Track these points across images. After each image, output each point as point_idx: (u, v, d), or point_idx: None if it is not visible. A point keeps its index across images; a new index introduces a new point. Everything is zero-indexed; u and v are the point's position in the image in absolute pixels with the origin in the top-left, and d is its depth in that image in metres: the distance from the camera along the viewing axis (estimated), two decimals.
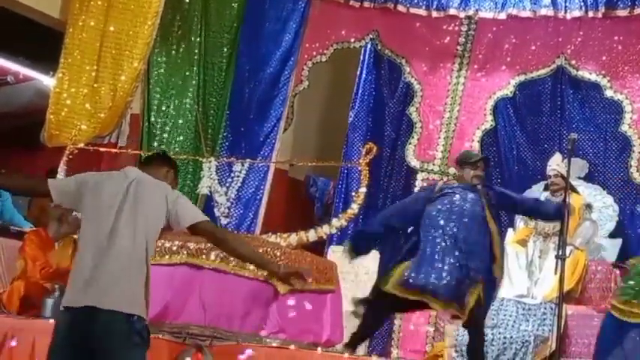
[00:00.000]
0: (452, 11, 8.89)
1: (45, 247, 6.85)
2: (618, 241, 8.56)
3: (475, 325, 6.15)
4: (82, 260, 4.07)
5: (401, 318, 8.36)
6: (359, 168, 7.20)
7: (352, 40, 9.31)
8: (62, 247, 6.90)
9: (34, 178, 5.02)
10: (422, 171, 8.80)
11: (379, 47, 9.28)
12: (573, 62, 8.59)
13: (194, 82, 8.94)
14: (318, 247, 8.01)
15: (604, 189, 8.87)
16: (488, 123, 8.77)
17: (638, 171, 8.36)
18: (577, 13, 8.47)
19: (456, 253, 6.03)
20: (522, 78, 8.78)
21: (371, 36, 9.27)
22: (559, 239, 6.14)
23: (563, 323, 6.92)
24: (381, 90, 9.63)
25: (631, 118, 8.27)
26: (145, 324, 4.02)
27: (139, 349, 4.00)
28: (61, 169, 7.23)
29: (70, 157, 7.37)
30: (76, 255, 4.21)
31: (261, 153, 8.91)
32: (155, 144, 8.73)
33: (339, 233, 8.05)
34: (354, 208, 6.59)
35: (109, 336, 3.92)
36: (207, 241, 4.36)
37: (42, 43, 8.80)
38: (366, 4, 9.18)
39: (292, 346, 5.80)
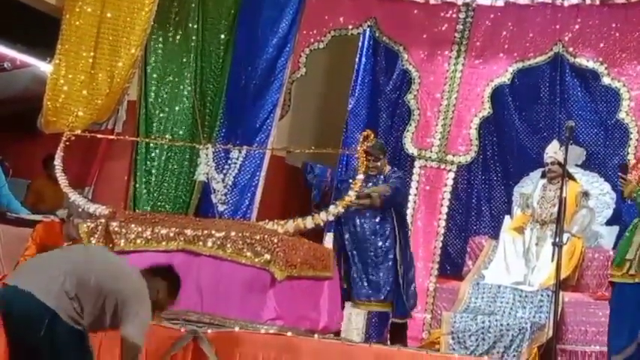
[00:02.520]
0: None
1: (50, 240, 6.81)
2: (615, 229, 8.56)
3: None
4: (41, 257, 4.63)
5: None
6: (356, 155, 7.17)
7: (350, 27, 9.26)
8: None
9: None
10: (419, 158, 8.78)
11: (377, 34, 9.25)
12: (571, 49, 8.57)
13: (191, 68, 8.92)
14: (316, 234, 8.00)
15: (601, 176, 8.88)
16: (486, 110, 8.75)
17: (635, 158, 8.36)
18: (574, 0, 8.45)
19: None
20: (520, 65, 8.75)
21: (369, 23, 9.23)
22: (556, 227, 6.15)
23: (559, 310, 6.93)
24: (378, 77, 9.60)
25: (628, 106, 8.25)
26: (59, 325, 4.17)
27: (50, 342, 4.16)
28: (58, 155, 7.22)
29: (67, 143, 7.36)
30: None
31: (258, 139, 8.89)
32: (152, 131, 8.73)
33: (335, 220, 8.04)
34: (351, 195, 6.57)
35: (23, 316, 4.17)
36: None
37: (39, 30, 8.78)
38: None
39: (289, 333, 5.79)
